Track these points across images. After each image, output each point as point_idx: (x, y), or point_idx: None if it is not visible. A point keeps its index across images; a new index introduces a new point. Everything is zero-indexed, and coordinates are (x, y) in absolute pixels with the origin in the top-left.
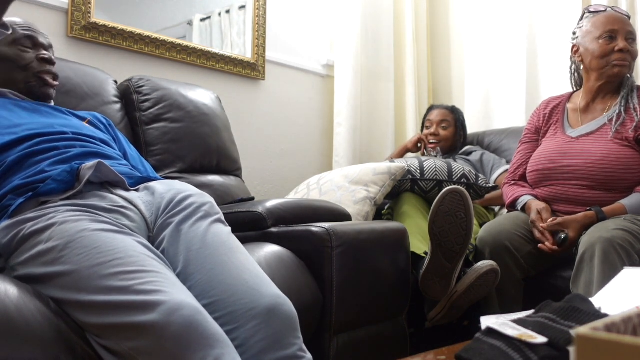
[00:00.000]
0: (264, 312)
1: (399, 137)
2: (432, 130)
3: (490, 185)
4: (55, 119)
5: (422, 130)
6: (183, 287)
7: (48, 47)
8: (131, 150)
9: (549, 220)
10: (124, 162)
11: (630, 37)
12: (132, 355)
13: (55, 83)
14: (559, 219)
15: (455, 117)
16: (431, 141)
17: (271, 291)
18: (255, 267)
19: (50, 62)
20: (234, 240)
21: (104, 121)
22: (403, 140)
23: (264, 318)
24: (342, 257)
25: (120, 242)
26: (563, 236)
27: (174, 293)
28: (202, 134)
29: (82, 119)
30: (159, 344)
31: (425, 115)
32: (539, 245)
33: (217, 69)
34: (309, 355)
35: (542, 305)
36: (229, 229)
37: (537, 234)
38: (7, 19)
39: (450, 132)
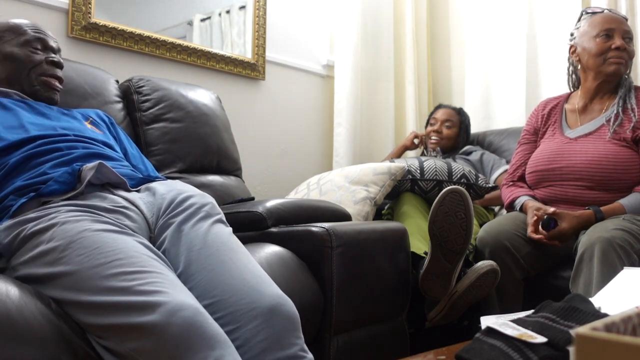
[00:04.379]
0: (265, 312)
1: (399, 137)
2: (436, 127)
3: (490, 185)
4: (58, 121)
5: (426, 127)
6: (184, 288)
7: (57, 51)
8: (132, 149)
9: (548, 211)
10: (125, 163)
11: (627, 36)
12: (133, 356)
13: (60, 87)
14: (556, 210)
15: (460, 119)
16: (433, 138)
17: (272, 291)
18: (256, 267)
19: (58, 65)
20: (235, 240)
21: (106, 119)
22: (403, 140)
23: (265, 318)
24: (342, 257)
25: (121, 242)
26: (546, 217)
27: (175, 294)
28: (202, 134)
29: (85, 118)
30: (160, 345)
31: (432, 113)
32: (528, 233)
33: (217, 69)
34: (310, 356)
35: (542, 305)
36: (230, 229)
37: (529, 229)
38: (17, 19)
39: (453, 132)
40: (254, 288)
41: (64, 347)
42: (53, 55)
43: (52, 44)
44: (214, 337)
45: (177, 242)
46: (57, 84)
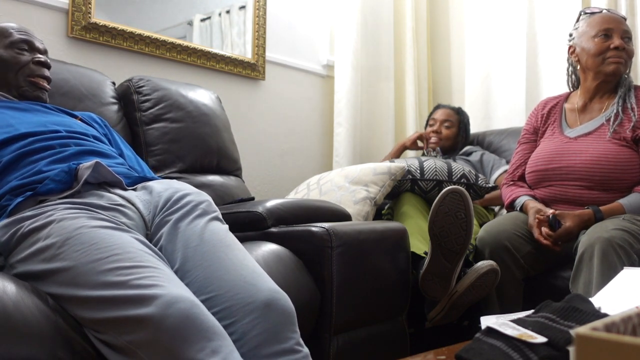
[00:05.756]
0: (261, 307)
1: (399, 137)
2: (435, 128)
3: (490, 185)
4: (47, 117)
5: (425, 128)
6: (180, 282)
7: (44, 52)
8: (127, 151)
9: (547, 213)
10: (120, 160)
11: (626, 36)
12: (131, 349)
13: (48, 87)
14: (555, 211)
15: (459, 119)
16: (432, 138)
17: (268, 286)
18: (252, 263)
19: (45, 65)
20: (231, 237)
21: (99, 121)
22: (403, 139)
23: (261, 312)
24: (342, 257)
25: (118, 238)
26: (551, 217)
27: (171, 287)
28: (202, 134)
29: (74, 116)
30: (157, 337)
31: (431, 114)
32: (535, 235)
33: (217, 69)
34: (305, 350)
35: (542, 305)
36: (226, 226)
37: (536, 232)
38: (4, 23)
39: (452, 132)
40: (250, 283)
41: (61, 342)
42: (40, 55)
43: (38, 45)
44: (211, 329)
45: (173, 239)
46: (45, 84)
